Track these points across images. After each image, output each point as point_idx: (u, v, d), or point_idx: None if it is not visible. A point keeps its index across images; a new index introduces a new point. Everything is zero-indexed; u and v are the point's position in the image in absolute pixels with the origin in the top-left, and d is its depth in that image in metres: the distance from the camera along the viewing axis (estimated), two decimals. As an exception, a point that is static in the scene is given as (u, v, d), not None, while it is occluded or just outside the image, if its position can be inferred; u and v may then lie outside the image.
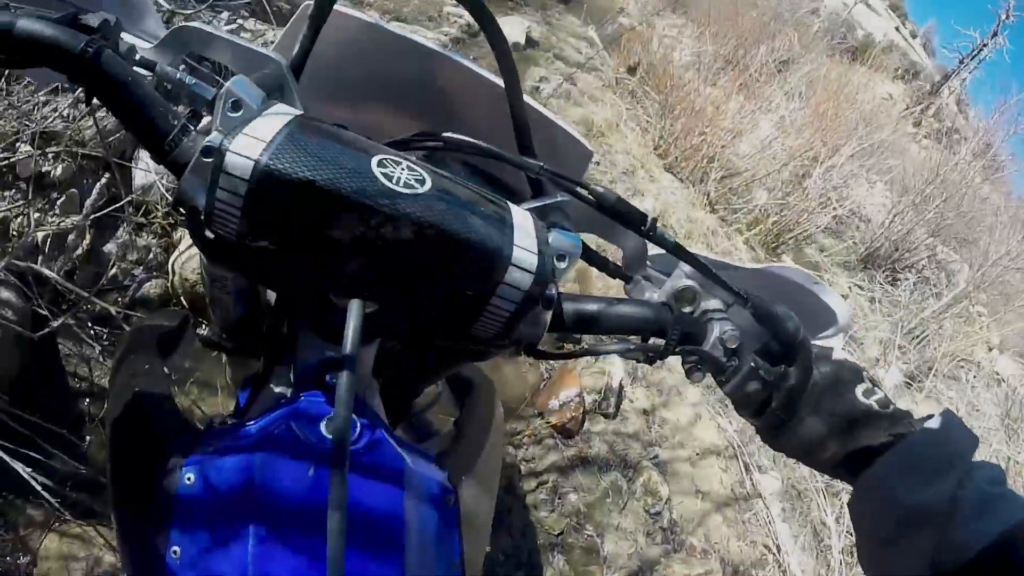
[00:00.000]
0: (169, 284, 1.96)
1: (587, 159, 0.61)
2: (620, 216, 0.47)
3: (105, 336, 1.81)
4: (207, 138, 0.39)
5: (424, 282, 0.41)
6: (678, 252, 0.48)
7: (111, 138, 1.96)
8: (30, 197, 1.86)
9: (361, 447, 0.46)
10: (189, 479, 0.44)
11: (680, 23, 6.09)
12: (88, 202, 1.92)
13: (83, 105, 1.96)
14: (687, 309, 0.49)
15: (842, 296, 0.62)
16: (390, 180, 0.40)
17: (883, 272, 6.77)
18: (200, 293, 1.90)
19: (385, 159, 0.41)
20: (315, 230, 0.39)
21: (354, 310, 0.39)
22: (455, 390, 0.72)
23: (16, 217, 1.81)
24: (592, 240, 0.54)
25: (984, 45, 17.86)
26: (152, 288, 1.96)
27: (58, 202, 1.88)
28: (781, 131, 4.74)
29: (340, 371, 0.39)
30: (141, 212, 2.05)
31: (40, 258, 1.77)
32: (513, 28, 4.67)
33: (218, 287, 0.57)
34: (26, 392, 1.60)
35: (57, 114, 1.90)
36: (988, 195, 9.01)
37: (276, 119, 0.40)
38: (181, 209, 0.40)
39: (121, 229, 1.97)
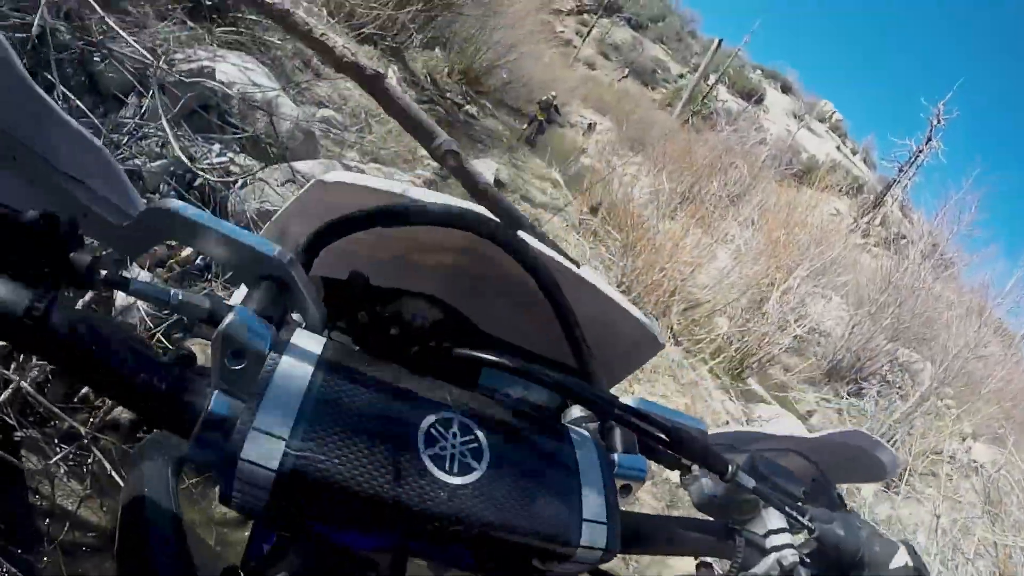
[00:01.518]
0: None
1: (657, 348, 0.55)
2: (704, 463, 0.43)
3: (71, 456, 1.72)
4: (209, 406, 0.31)
5: (486, 566, 0.37)
6: (757, 492, 0.45)
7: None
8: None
9: None
10: None
11: (638, 161, 6.58)
12: None
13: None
14: (747, 518, 0.48)
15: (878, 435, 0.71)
16: (443, 465, 0.34)
17: (847, 384, 6.94)
18: None
19: (433, 427, 0.36)
20: (357, 526, 0.34)
21: None
22: None
23: None
24: None
25: (920, 151, 19.26)
26: (124, 412, 1.89)
27: None
28: (738, 260, 5.04)
29: None
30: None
31: (13, 365, 1.70)
32: (483, 170, 5.02)
33: None
34: None
35: None
36: (940, 292, 9.25)
37: (293, 384, 0.33)
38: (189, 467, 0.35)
39: None
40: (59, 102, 1.99)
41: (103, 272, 0.32)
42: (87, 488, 1.70)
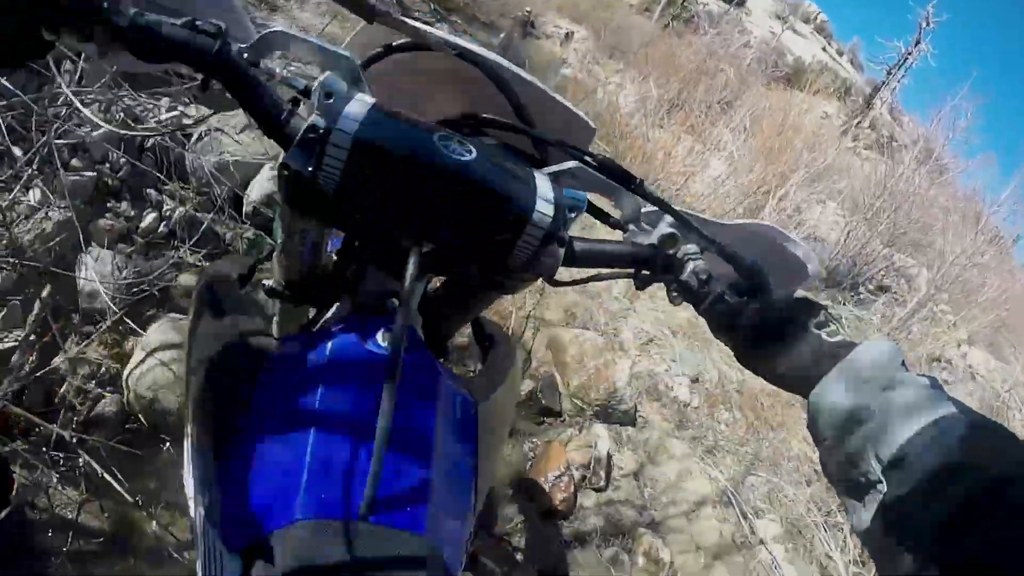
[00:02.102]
0: (125, 401, 1.81)
1: (590, 133, 0.73)
2: (616, 175, 0.59)
3: (61, 461, 1.66)
4: (310, 119, 0.50)
5: (474, 224, 0.53)
6: (661, 204, 0.59)
7: (50, 243, 1.85)
8: None
9: (407, 360, 0.55)
10: (272, 368, 0.56)
11: (620, 69, 6.23)
12: (32, 316, 1.76)
13: (16, 208, 1.84)
14: (670, 251, 0.59)
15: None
16: (447, 148, 0.52)
17: (844, 290, 6.90)
18: (157, 409, 1.75)
19: (442, 135, 0.53)
20: (394, 185, 0.51)
21: (413, 255, 0.52)
22: (480, 344, 0.82)
23: None
24: (596, 199, 0.64)
25: (908, 54, 18.83)
26: (107, 406, 1.79)
27: (0, 315, 1.74)
28: (732, 168, 4.83)
29: (400, 297, 0.51)
30: (88, 322, 1.90)
31: None
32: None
33: (295, 240, 0.64)
34: None
35: None
36: (936, 198, 9.27)
37: (361, 104, 0.52)
38: (286, 172, 0.51)
39: (69, 342, 1.82)
40: None
41: (245, 55, 0.53)
42: (83, 492, 1.64)
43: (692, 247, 0.60)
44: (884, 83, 19.69)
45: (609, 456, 2.56)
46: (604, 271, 0.62)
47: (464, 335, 0.98)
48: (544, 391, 2.57)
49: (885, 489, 0.46)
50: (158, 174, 2.19)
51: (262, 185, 2.29)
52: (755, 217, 4.92)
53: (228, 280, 0.72)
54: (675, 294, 0.61)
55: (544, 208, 0.54)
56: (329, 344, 0.57)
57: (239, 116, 2.41)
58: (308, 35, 0.56)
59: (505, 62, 0.67)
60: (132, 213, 2.12)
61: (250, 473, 0.52)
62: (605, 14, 9.09)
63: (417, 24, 0.66)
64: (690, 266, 0.58)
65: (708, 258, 0.60)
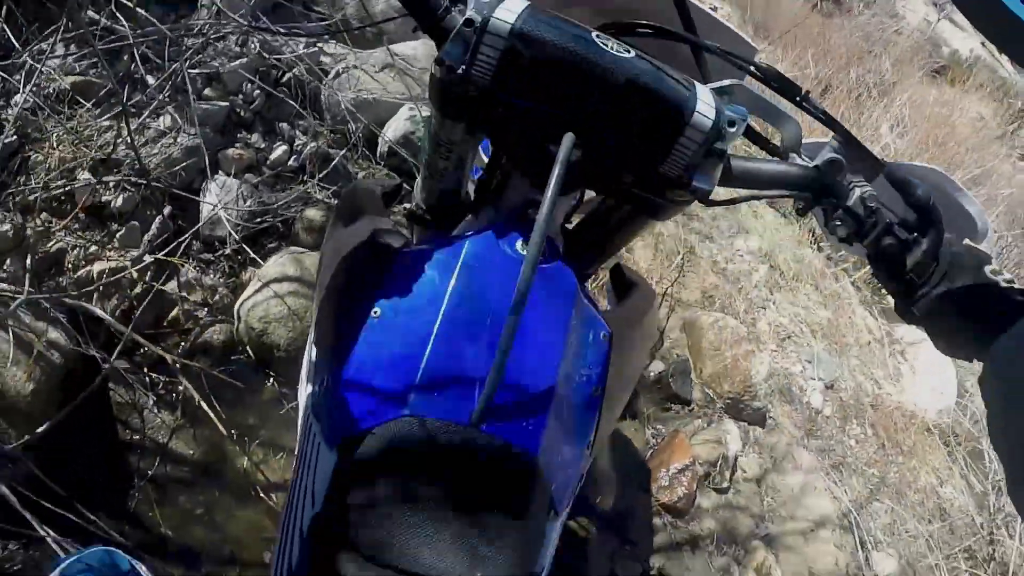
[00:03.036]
0: (235, 330, 1.80)
1: (753, 54, 0.70)
2: (782, 86, 0.57)
3: (161, 385, 1.66)
4: (467, 13, 0.48)
5: (630, 124, 0.49)
6: (827, 120, 0.57)
7: (176, 167, 1.85)
8: (86, 228, 1.73)
9: (545, 269, 0.54)
10: (405, 260, 0.53)
11: (765, 47, 5.77)
12: (148, 235, 1.79)
13: (145, 132, 1.85)
14: (836, 177, 0.55)
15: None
16: (607, 46, 0.49)
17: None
18: (266, 343, 1.74)
19: (599, 34, 0.50)
20: (549, 79, 0.48)
21: (564, 146, 0.47)
22: (618, 289, 0.77)
23: (72, 249, 1.70)
24: (756, 124, 0.60)
25: (1079, 57, 16.55)
26: (216, 334, 1.81)
27: (118, 235, 1.76)
28: (885, 157, 4.36)
29: (541, 205, 0.46)
30: (207, 249, 1.90)
31: (95, 295, 1.66)
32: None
33: (441, 153, 0.60)
34: (69, 444, 1.44)
35: (121, 140, 1.78)
36: None
37: (518, 2, 0.49)
38: (440, 69, 0.48)
39: (185, 266, 1.84)
40: (117, 16, 1.76)
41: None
42: (178, 419, 1.63)
43: (859, 177, 0.56)
44: (1048, 86, 17.50)
45: (736, 457, 2.37)
46: (762, 192, 0.59)
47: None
48: (675, 376, 2.40)
49: None
50: (293, 105, 2.14)
51: (399, 125, 2.25)
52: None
53: (373, 193, 0.71)
54: (838, 223, 0.55)
55: (705, 111, 0.50)
56: (466, 244, 0.54)
57: (378, 53, 2.35)
58: None
59: None
60: (263, 145, 2.10)
61: (367, 365, 0.49)
62: (750, -14, 8.46)
63: None
64: (857, 192, 0.54)
65: (880, 195, 0.55)
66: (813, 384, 2.95)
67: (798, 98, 0.58)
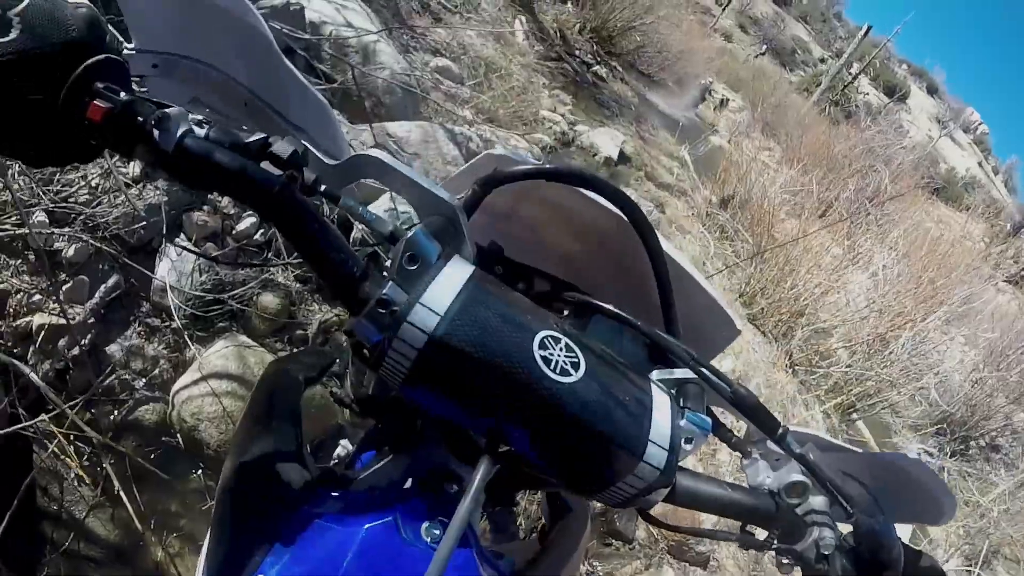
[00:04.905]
0: (168, 416, 1.67)
1: (731, 338, 0.62)
2: (756, 420, 0.50)
3: (85, 455, 1.54)
4: (384, 290, 0.41)
5: (565, 458, 0.44)
6: (802, 460, 0.50)
7: (136, 224, 1.72)
8: (35, 273, 1.61)
9: (453, 559, 0.44)
10: (297, 527, 0.47)
11: (771, 147, 5.77)
12: (93, 301, 1.65)
13: (110, 178, 1.72)
14: (794, 501, 0.51)
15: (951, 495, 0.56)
16: (548, 364, 0.42)
17: (954, 439, 6.07)
18: (196, 439, 1.63)
19: (546, 338, 0.43)
20: (472, 394, 0.42)
21: (483, 466, 0.42)
22: (552, 507, 0.69)
23: (16, 293, 1.58)
24: (718, 410, 0.55)
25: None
26: (149, 413, 1.67)
27: (65, 287, 1.63)
28: (875, 286, 4.27)
29: (462, 492, 0.45)
30: (155, 313, 1.77)
31: (32, 348, 1.53)
32: (607, 142, 4.43)
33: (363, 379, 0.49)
34: None
35: (85, 182, 1.66)
36: None
37: (451, 283, 0.42)
38: (349, 340, 0.43)
39: (131, 330, 1.69)
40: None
41: (323, 187, 0.43)
42: (97, 496, 1.53)
43: (820, 501, 0.51)
44: (1037, 211, 17.72)
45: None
46: (705, 528, 0.57)
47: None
48: (620, 513, 2.23)
49: None
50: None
51: (378, 210, 2.11)
52: (886, 348, 4.34)
53: (294, 384, 0.62)
54: (785, 561, 0.50)
55: (655, 454, 0.44)
56: (365, 525, 0.47)
57: (368, 131, 2.23)
58: (407, 167, 0.46)
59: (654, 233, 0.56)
60: (232, 211, 1.95)
61: None
62: (764, 86, 8.57)
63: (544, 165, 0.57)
64: (814, 534, 0.49)
65: (835, 511, 0.51)
66: (766, 521, 2.80)
67: (776, 436, 0.50)
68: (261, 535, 0.48)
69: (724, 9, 17.74)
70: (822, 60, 21.50)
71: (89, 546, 1.49)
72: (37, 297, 1.61)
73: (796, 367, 3.43)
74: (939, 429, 5.94)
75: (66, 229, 1.64)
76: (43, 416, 1.45)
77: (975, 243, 14.22)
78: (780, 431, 0.50)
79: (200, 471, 1.65)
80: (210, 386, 1.63)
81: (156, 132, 0.38)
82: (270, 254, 1.94)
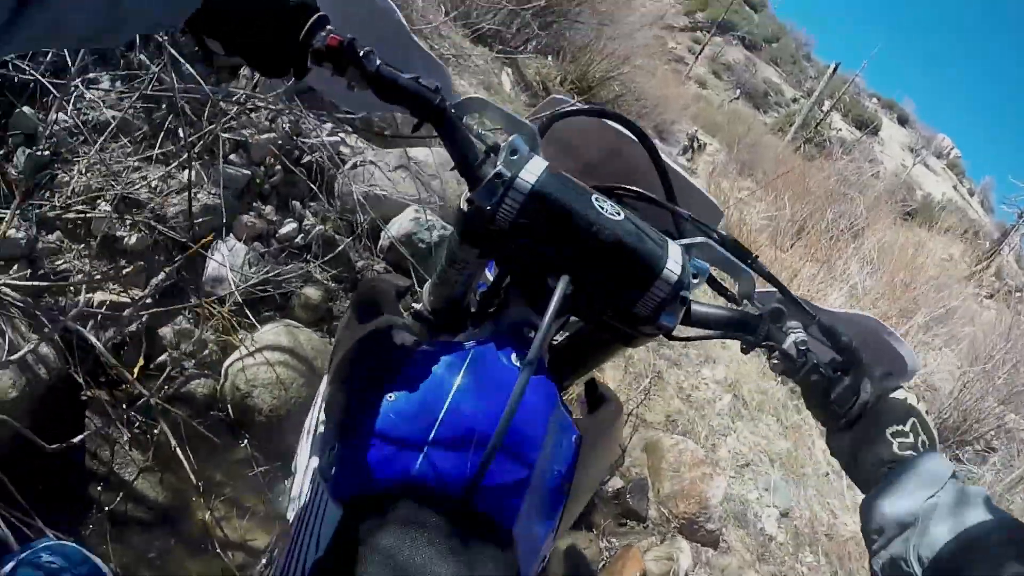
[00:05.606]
0: (218, 387, 1.76)
1: (719, 217, 0.82)
2: (736, 251, 0.66)
3: (137, 423, 1.58)
4: (496, 168, 0.58)
5: (613, 271, 0.60)
6: (771, 280, 0.67)
7: (192, 220, 1.86)
8: (97, 257, 1.71)
9: (534, 380, 0.61)
10: (417, 358, 0.62)
11: (749, 186, 6.12)
12: (155, 280, 1.76)
13: (168, 181, 1.88)
14: (776, 323, 0.64)
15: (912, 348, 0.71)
16: (603, 208, 0.60)
17: (949, 445, 6.17)
18: (249, 405, 1.72)
19: (598, 197, 0.61)
20: (555, 229, 0.59)
21: (561, 284, 0.57)
22: (590, 401, 0.85)
23: (77, 274, 1.68)
24: (717, 274, 0.69)
25: (1044, 196, 17.12)
26: (199, 386, 1.75)
27: (124, 271, 1.73)
28: (854, 300, 4.53)
29: (538, 327, 0.55)
30: (206, 303, 1.87)
31: (91, 323, 1.60)
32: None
33: (455, 269, 0.70)
34: (37, 462, 1.37)
35: (145, 183, 1.80)
36: None
37: (538, 164, 0.60)
38: (470, 206, 0.60)
39: (180, 316, 1.81)
40: (167, 67, 1.83)
41: (453, 111, 0.64)
42: (148, 460, 1.57)
43: (796, 323, 0.65)
44: (1014, 227, 18.01)
45: (686, 574, 2.38)
46: (716, 332, 0.67)
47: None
48: (633, 493, 2.45)
49: None
50: (309, 186, 2.20)
51: (403, 224, 2.27)
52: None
53: (387, 290, 0.79)
54: (775, 361, 0.64)
55: (673, 267, 0.60)
56: (471, 351, 0.63)
57: (394, 153, 2.43)
58: (500, 105, 0.67)
59: (660, 146, 0.78)
60: (275, 218, 2.13)
61: (376, 438, 0.57)
62: (739, 129, 9.03)
63: (587, 105, 0.80)
64: (792, 337, 0.64)
65: (812, 341, 0.65)
66: (769, 511, 2.97)
67: (748, 261, 0.67)
68: (384, 371, 0.61)
69: (697, 57, 18.62)
70: (794, 100, 22.25)
71: (136, 508, 1.52)
72: (98, 278, 1.71)
73: (818, 306, 3.64)
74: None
75: (129, 216, 1.76)
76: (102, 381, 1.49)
77: (956, 263, 14.53)
78: (753, 256, 0.68)
79: (246, 441, 1.72)
80: (264, 356, 1.73)
81: (365, 60, 0.58)
82: (309, 256, 2.13)
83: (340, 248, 2.15)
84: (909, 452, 0.55)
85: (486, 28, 5.28)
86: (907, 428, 0.57)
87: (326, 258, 2.12)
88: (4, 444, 1.34)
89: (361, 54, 0.58)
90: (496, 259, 0.67)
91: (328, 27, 0.59)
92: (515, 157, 0.60)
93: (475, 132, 0.64)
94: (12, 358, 1.38)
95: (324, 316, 2.10)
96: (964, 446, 6.40)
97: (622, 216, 0.61)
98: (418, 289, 0.89)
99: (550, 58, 6.63)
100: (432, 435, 0.56)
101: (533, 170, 0.59)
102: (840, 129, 19.90)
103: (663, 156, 0.78)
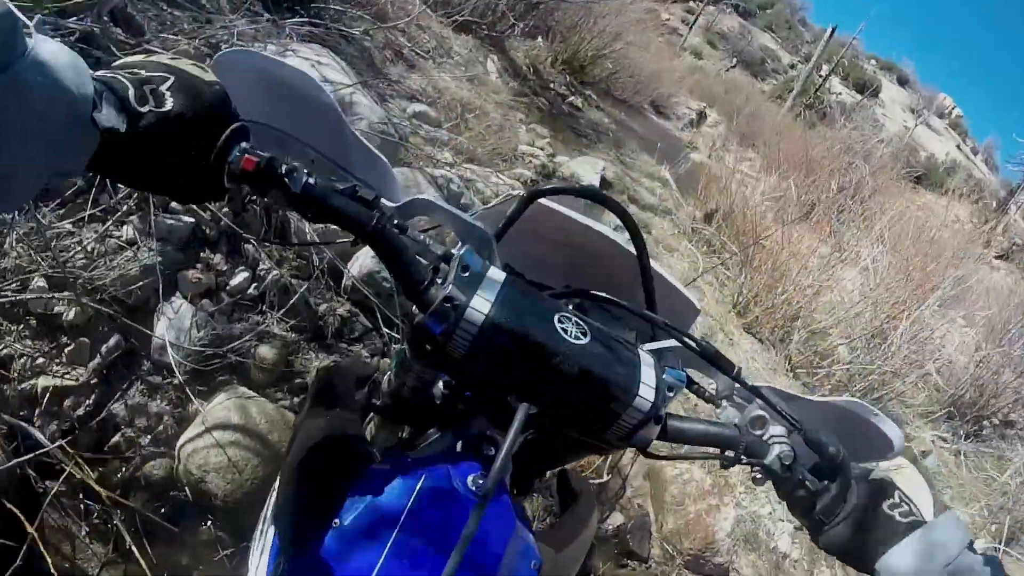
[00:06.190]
0: (174, 469, 1.68)
1: (695, 314, 0.79)
2: (716, 363, 0.63)
3: (95, 513, 1.54)
4: (447, 291, 0.53)
5: (580, 401, 0.56)
6: (754, 391, 0.62)
7: (133, 285, 1.73)
8: (36, 337, 1.62)
9: (492, 506, 0.56)
10: (369, 478, 0.59)
11: (751, 157, 5.80)
12: (94, 362, 1.66)
13: (106, 242, 1.75)
14: (758, 432, 0.60)
15: (899, 430, 0.64)
16: (566, 333, 0.55)
17: (967, 422, 5.94)
18: (204, 491, 1.63)
19: (562, 316, 0.57)
20: (514, 359, 0.55)
21: (520, 414, 0.54)
22: (562, 495, 0.82)
23: (19, 357, 1.59)
24: (695, 374, 0.66)
25: (1049, 153, 16.74)
26: (156, 468, 1.66)
27: (66, 349, 1.64)
28: (866, 280, 4.24)
29: (498, 448, 0.56)
30: (156, 371, 1.77)
31: (37, 411, 1.54)
32: (588, 169, 4.47)
33: (411, 374, 0.65)
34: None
35: (80, 247, 1.68)
36: None
37: (492, 281, 0.55)
38: (420, 334, 0.54)
39: (133, 389, 1.70)
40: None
41: (396, 221, 0.56)
42: (109, 552, 1.52)
43: (779, 429, 0.60)
44: (1021, 185, 17.66)
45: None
46: (695, 449, 0.64)
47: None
48: (633, 531, 2.20)
49: None
50: (252, 234, 2.03)
51: (365, 261, 2.10)
52: (885, 340, 4.30)
53: (347, 380, 0.75)
54: (758, 476, 0.61)
55: (645, 393, 0.56)
56: (424, 475, 0.59)
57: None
58: (449, 205, 0.61)
59: (621, 239, 0.72)
60: (224, 267, 1.95)
61: (320, 562, 0.54)
62: (738, 98, 8.67)
63: (564, 210, 0.73)
64: (776, 450, 0.59)
65: (794, 439, 0.60)
66: (782, 526, 2.74)
67: (732, 374, 0.63)
68: (334, 490, 0.58)
69: (691, 28, 18.05)
70: (792, 66, 21.76)
71: None
72: (40, 360, 1.62)
73: (797, 370, 3.39)
74: (950, 413, 5.83)
75: (65, 293, 1.65)
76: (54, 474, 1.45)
77: (963, 225, 14.17)
78: (736, 370, 0.63)
79: (209, 523, 1.66)
80: (214, 438, 1.63)
81: (287, 180, 0.51)
82: (264, 306, 1.95)
83: (297, 296, 1.96)
84: (912, 519, 0.55)
85: (468, 15, 4.97)
86: (898, 500, 0.57)
87: (283, 309, 1.93)
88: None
89: (283, 171, 0.52)
90: (451, 377, 0.64)
91: (244, 144, 0.52)
92: (466, 275, 0.55)
93: (419, 240, 0.58)
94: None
95: (283, 375, 1.92)
96: (982, 421, 6.20)
97: (588, 338, 0.56)
98: (378, 375, 0.81)
99: (539, 39, 6.33)
100: (379, 567, 0.54)
101: (487, 294, 0.54)
102: (840, 93, 19.38)
103: (621, 244, 0.72)
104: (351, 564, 0.54)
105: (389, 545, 0.54)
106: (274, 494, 0.69)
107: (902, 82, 28.60)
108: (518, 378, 0.56)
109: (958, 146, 25.09)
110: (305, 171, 0.52)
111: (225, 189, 0.53)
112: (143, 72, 0.48)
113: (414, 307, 0.56)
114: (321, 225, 2.14)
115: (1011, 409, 6.83)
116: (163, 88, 0.48)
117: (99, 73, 0.47)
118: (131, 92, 0.47)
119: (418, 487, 0.58)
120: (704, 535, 2.25)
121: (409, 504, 0.56)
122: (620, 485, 2.27)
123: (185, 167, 0.50)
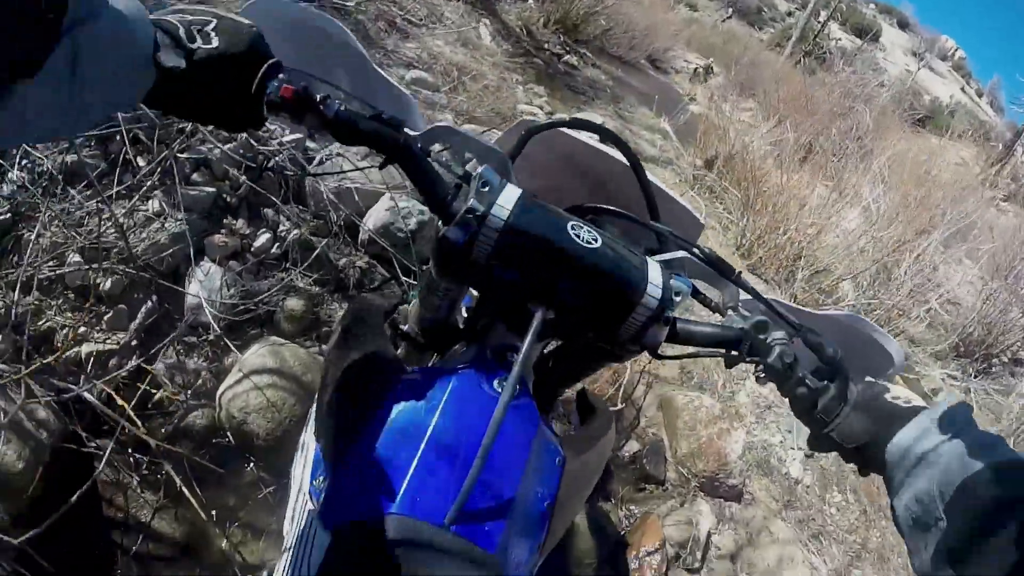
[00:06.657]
0: (216, 416, 1.76)
1: (700, 228, 0.82)
2: (718, 267, 0.66)
3: (144, 465, 1.62)
4: (468, 203, 0.56)
5: (593, 299, 0.60)
6: (754, 294, 0.65)
7: (164, 253, 1.81)
8: (76, 309, 1.69)
9: (514, 405, 0.62)
10: (402, 387, 0.62)
11: (750, 107, 5.75)
12: (135, 323, 1.74)
13: (134, 216, 1.83)
14: (761, 336, 0.62)
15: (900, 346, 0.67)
16: (578, 238, 0.59)
17: (976, 360, 5.95)
18: (246, 432, 1.71)
19: (574, 224, 0.60)
20: (532, 261, 0.59)
21: (538, 316, 0.58)
22: (581, 412, 0.85)
23: (62, 329, 1.66)
24: (701, 285, 0.68)
25: (1057, 96, 16.40)
26: (198, 418, 1.75)
27: (105, 317, 1.72)
28: (868, 220, 4.25)
29: (519, 352, 0.56)
30: (192, 332, 1.85)
31: (83, 377, 1.61)
32: (586, 124, 4.44)
33: (437, 294, 0.70)
34: (57, 520, 1.40)
35: (111, 222, 1.74)
36: None
37: (510, 194, 0.59)
38: (444, 243, 0.58)
39: (170, 350, 1.78)
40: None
41: (419, 145, 0.61)
42: (160, 499, 1.59)
43: (781, 334, 0.62)
44: (1026, 126, 17.28)
45: (708, 535, 2.23)
46: (702, 349, 0.66)
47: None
48: (649, 456, 2.28)
49: (945, 526, 0.47)
50: (274, 196, 2.10)
51: (379, 215, 2.17)
52: (889, 277, 4.32)
53: (374, 311, 0.77)
54: (762, 375, 0.63)
55: (653, 292, 0.59)
56: (452, 380, 0.63)
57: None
58: (468, 131, 0.65)
59: (639, 162, 0.75)
60: (247, 231, 2.04)
61: (361, 468, 0.57)
62: (736, 49, 8.52)
63: (567, 132, 0.77)
64: (777, 350, 0.61)
65: (796, 345, 0.62)
66: (793, 454, 2.81)
67: (732, 277, 0.66)
68: (371, 400, 0.62)
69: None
70: (789, 14, 21.22)
71: (157, 546, 1.55)
72: (82, 329, 1.69)
73: (803, 308, 3.43)
74: (959, 352, 5.85)
75: (98, 264, 1.72)
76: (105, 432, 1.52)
77: (970, 168, 13.94)
78: (736, 273, 0.67)
79: (251, 464, 1.74)
80: (252, 382, 1.71)
81: (322, 106, 0.56)
82: (287, 264, 2.02)
83: (318, 251, 2.05)
84: (915, 404, 0.56)
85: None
86: (897, 393, 0.58)
87: (306, 264, 2.02)
88: (22, 515, 1.39)
89: (318, 99, 0.56)
90: (475, 287, 0.66)
91: (281, 76, 0.56)
92: (486, 189, 0.58)
93: (443, 161, 0.62)
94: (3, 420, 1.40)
95: (310, 325, 2.02)
96: (990, 359, 6.21)
97: (599, 243, 0.59)
98: (405, 306, 0.87)
99: (530, 1, 6.24)
100: (415, 464, 0.56)
101: (506, 202, 0.58)
102: (839, 39, 18.92)
103: (647, 173, 0.75)
104: (392, 461, 0.57)
105: (424, 441, 0.57)
106: (312, 416, 0.73)
107: (902, 25, 27.85)
108: (536, 281, 0.59)
109: (962, 88, 24.54)
110: (337, 99, 0.56)
111: (263, 118, 0.58)
112: (188, 16, 0.54)
113: (439, 221, 0.59)
114: (336, 187, 2.22)
115: (1021, 347, 6.83)
116: (208, 29, 0.53)
117: (152, 17, 0.51)
118: (181, 31, 0.52)
119: (449, 388, 0.62)
120: (717, 457, 2.32)
121: (441, 404, 0.60)
122: (634, 415, 2.35)
123: (229, 98, 0.55)
